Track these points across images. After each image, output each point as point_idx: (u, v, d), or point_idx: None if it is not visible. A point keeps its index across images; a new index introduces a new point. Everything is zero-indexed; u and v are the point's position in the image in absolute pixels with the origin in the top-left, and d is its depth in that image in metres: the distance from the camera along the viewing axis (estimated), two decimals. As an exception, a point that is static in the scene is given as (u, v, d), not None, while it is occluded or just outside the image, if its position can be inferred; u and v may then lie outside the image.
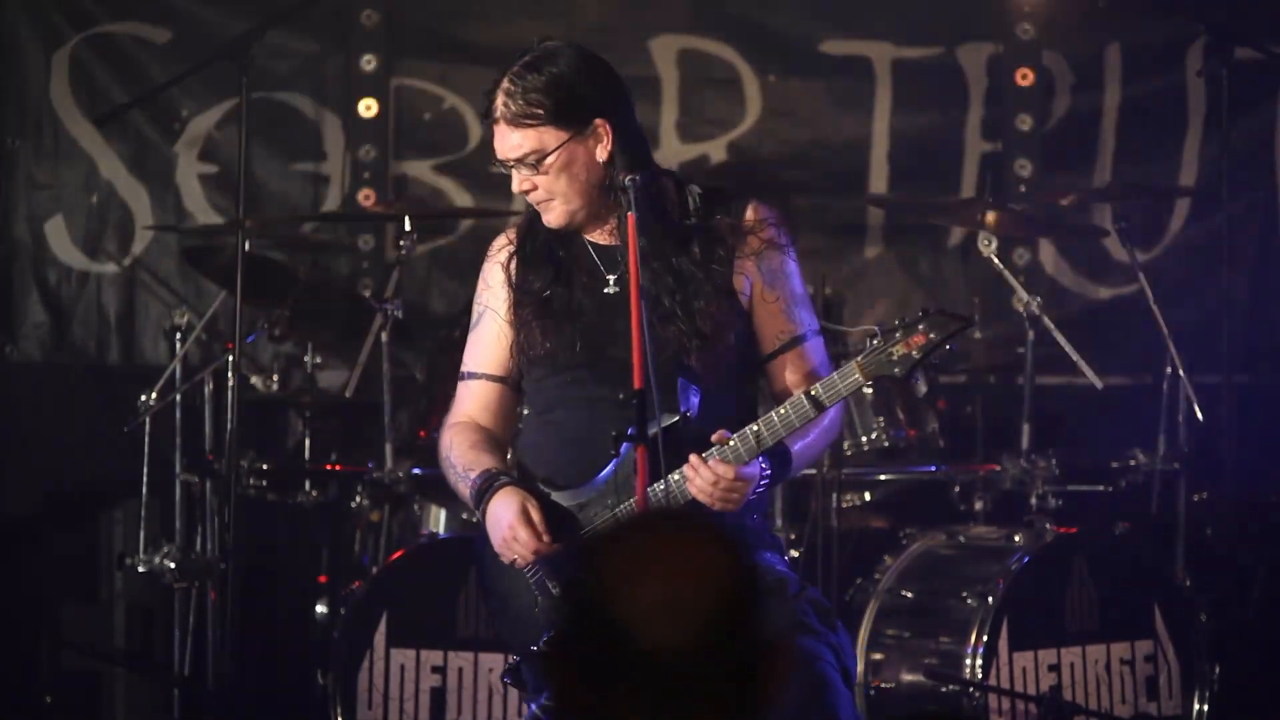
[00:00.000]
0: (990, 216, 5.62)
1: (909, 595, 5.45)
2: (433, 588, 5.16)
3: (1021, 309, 5.52)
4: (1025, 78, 6.91)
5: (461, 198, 6.82)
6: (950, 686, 5.20)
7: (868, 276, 6.92)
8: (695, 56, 6.90)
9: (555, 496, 3.84)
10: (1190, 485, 5.81)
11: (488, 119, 3.85)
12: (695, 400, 3.78)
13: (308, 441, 6.02)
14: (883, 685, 5.39)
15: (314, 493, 5.91)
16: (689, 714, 2.01)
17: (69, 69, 6.65)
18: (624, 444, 3.70)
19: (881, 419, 5.84)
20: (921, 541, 5.59)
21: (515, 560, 3.77)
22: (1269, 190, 6.87)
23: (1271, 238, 6.82)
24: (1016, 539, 5.39)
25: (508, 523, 3.74)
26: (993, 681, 5.15)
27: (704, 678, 2.01)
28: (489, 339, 3.98)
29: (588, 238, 3.91)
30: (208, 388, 5.87)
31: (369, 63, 6.80)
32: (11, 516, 6.45)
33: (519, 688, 3.94)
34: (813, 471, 5.49)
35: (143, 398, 5.69)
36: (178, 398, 5.74)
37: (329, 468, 5.93)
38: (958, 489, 5.86)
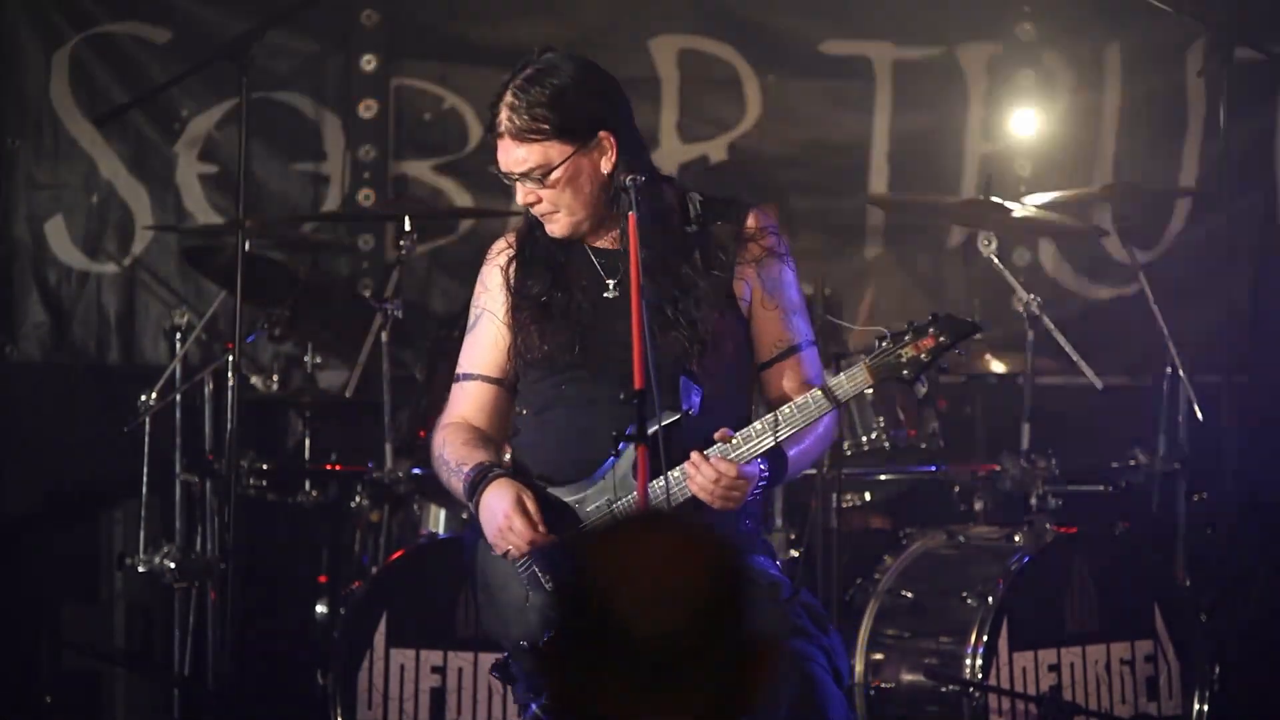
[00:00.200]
0: (990, 216, 5.62)
1: (909, 595, 5.45)
2: (433, 588, 5.16)
3: (1021, 309, 5.52)
4: (1025, 78, 6.91)
5: (461, 198, 6.82)
6: (950, 686, 5.20)
7: (868, 276, 6.92)
8: (695, 56, 6.90)
9: (553, 491, 3.85)
10: (1190, 485, 5.81)
11: (491, 132, 3.84)
12: (697, 400, 3.79)
13: (308, 441, 6.03)
14: (883, 685, 5.39)
15: (314, 493, 5.91)
16: (679, 709, 2.01)
17: (69, 69, 6.65)
18: (623, 443, 3.71)
19: (881, 419, 5.84)
20: (921, 541, 5.59)
21: (509, 552, 3.78)
22: (1269, 190, 6.87)
23: (1271, 238, 6.82)
24: (1016, 539, 5.39)
25: (503, 512, 3.75)
26: (993, 681, 5.15)
27: (693, 673, 2.02)
28: (486, 341, 3.99)
29: (588, 243, 3.93)
30: (208, 388, 5.87)
31: (369, 63, 6.80)
32: (11, 516, 6.45)
33: (507, 682, 3.95)
34: (813, 471, 5.49)
35: (143, 398, 5.69)
36: (178, 398, 5.74)
37: (329, 468, 5.93)
38: (958, 489, 5.86)
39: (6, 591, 6.26)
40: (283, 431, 6.46)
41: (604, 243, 3.92)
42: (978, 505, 5.76)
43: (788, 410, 3.73)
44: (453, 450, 3.91)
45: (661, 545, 2.07)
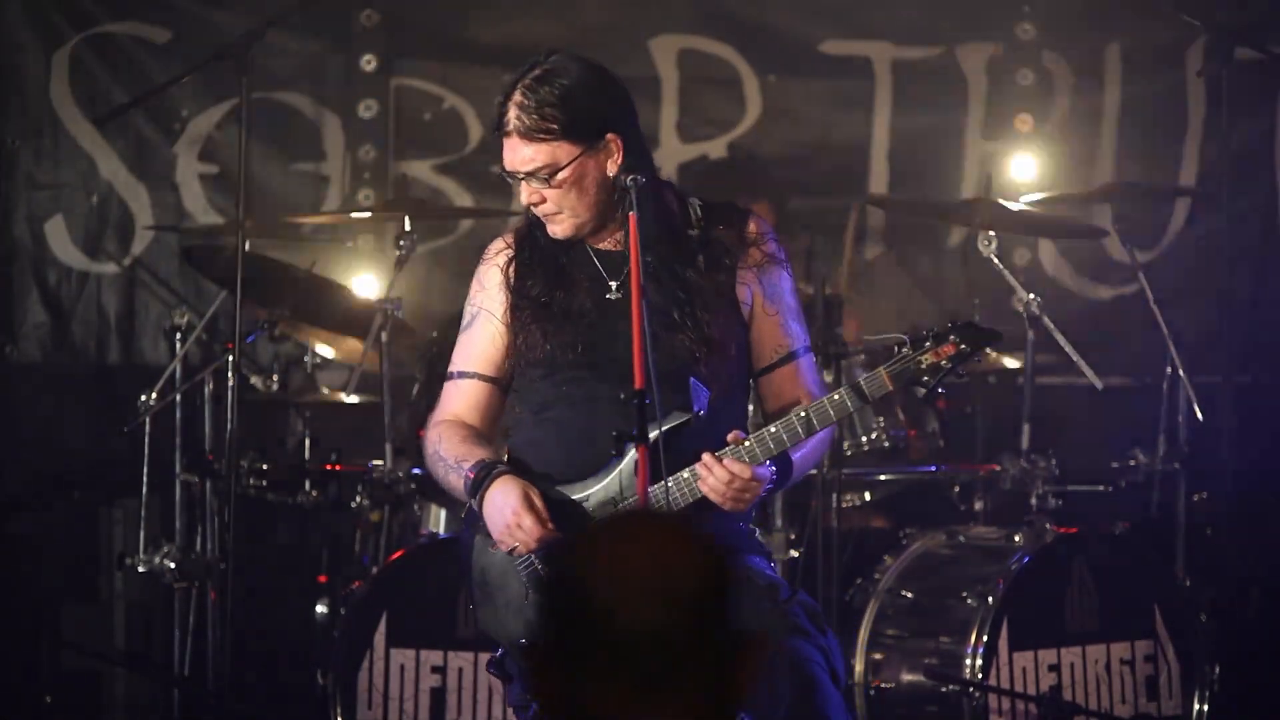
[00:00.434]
0: (990, 216, 5.61)
1: (909, 595, 5.45)
2: (433, 588, 5.16)
3: (1021, 309, 5.52)
4: (1025, 78, 6.91)
5: (461, 198, 6.83)
6: (950, 686, 5.19)
7: (868, 276, 6.92)
8: (695, 56, 6.90)
9: (557, 489, 3.85)
10: (1190, 485, 5.81)
11: (498, 131, 3.84)
12: (706, 402, 3.80)
13: (308, 441, 6.02)
14: (883, 685, 5.39)
15: (314, 493, 5.90)
16: (665, 705, 2.02)
17: (69, 69, 6.66)
18: (628, 444, 3.71)
19: (881, 419, 5.84)
20: (921, 541, 5.59)
21: (516, 549, 3.78)
22: (1269, 190, 6.87)
23: (1271, 238, 6.82)
24: (1016, 539, 5.39)
25: (511, 509, 3.75)
26: (993, 681, 5.15)
27: (678, 669, 2.02)
28: (482, 340, 3.99)
29: (591, 244, 3.93)
30: (208, 388, 5.86)
31: (369, 63, 6.81)
32: (12, 516, 6.45)
33: (504, 679, 3.95)
34: (813, 471, 5.49)
35: (143, 398, 5.69)
36: (178, 398, 5.74)
37: (329, 468, 5.92)
38: (958, 489, 5.86)
39: (6, 591, 6.26)
40: (283, 431, 6.46)
41: (607, 244, 3.92)
42: (978, 505, 5.76)
43: (803, 413, 3.72)
44: (449, 447, 3.91)
45: (647, 543, 2.07)
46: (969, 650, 5.17)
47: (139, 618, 6.22)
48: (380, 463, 5.61)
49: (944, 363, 3.75)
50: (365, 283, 6.69)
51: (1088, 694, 5.27)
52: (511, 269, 3.96)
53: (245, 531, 5.28)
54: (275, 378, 6.30)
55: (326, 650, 5.33)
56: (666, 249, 3.85)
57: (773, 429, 3.72)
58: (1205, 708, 5.36)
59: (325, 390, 6.20)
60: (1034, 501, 5.53)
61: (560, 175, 3.79)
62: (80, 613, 6.28)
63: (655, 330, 3.69)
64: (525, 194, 3.85)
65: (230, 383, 5.27)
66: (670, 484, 3.72)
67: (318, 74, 6.82)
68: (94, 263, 6.71)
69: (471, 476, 3.83)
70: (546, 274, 3.92)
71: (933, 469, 5.88)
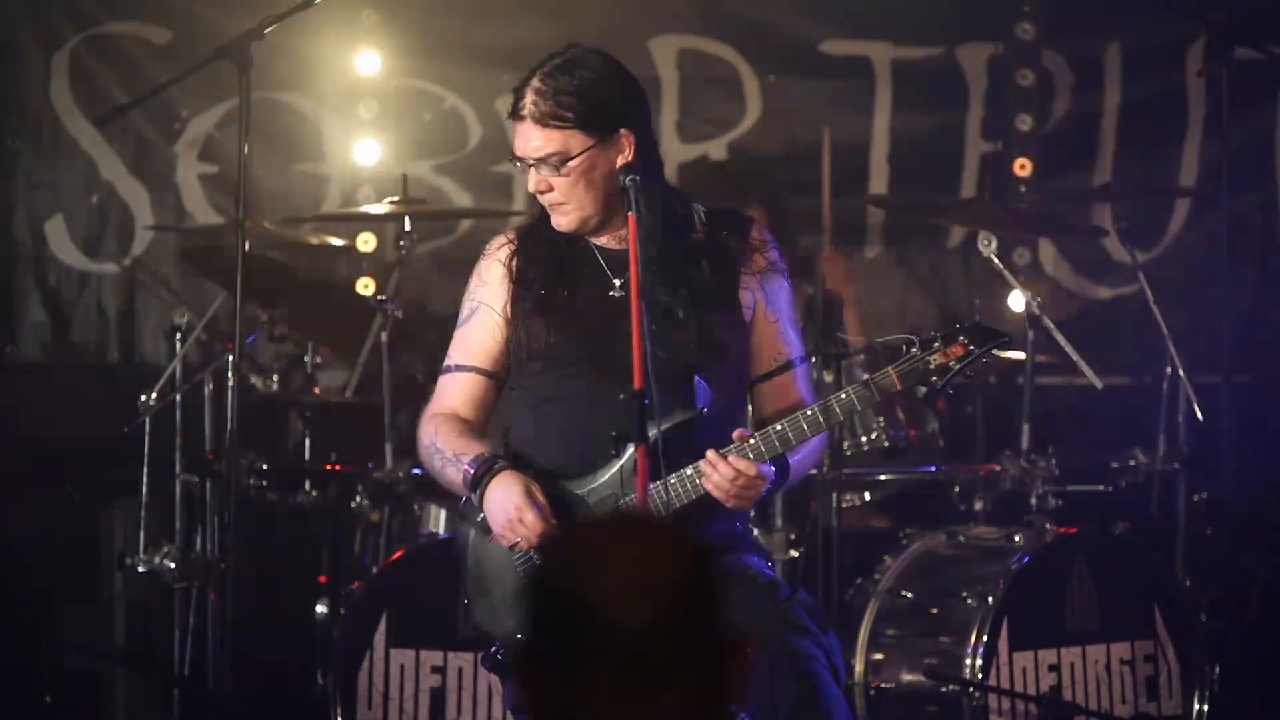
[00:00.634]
0: (990, 216, 5.62)
1: (909, 595, 5.45)
2: (433, 588, 5.15)
3: (1021, 309, 5.52)
4: (1025, 78, 6.91)
5: (461, 198, 6.83)
6: (950, 686, 5.20)
7: (868, 276, 6.93)
8: (695, 56, 6.90)
9: (558, 484, 3.85)
10: (1190, 485, 5.82)
11: (513, 116, 3.84)
12: (709, 399, 3.80)
13: (308, 441, 6.02)
14: (883, 685, 5.39)
15: (314, 493, 5.91)
16: (656, 703, 2.02)
17: (69, 69, 6.66)
18: (628, 442, 3.72)
19: (881, 419, 5.84)
20: (921, 541, 5.59)
21: (518, 544, 3.78)
22: (1269, 190, 6.87)
23: (1271, 238, 6.82)
24: (1016, 539, 5.39)
25: (514, 504, 3.75)
26: (993, 681, 5.15)
27: (668, 668, 2.02)
28: (481, 334, 3.98)
29: (595, 242, 3.93)
30: (208, 388, 5.86)
31: (369, 63, 6.80)
32: (11, 516, 6.44)
33: (500, 675, 3.95)
34: (813, 471, 5.49)
35: (143, 398, 5.69)
36: (178, 398, 5.74)
37: (329, 468, 5.92)
38: (958, 489, 5.85)
39: (6, 591, 6.26)
40: (283, 431, 6.46)
41: (611, 242, 3.93)
42: (978, 505, 5.76)
43: (810, 412, 3.72)
44: (446, 440, 3.91)
45: (637, 543, 2.07)
46: (969, 650, 5.17)
47: (139, 618, 6.21)
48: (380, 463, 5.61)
49: (952, 364, 3.75)
50: (365, 283, 6.70)
51: (1088, 694, 5.27)
52: (514, 263, 3.96)
53: (245, 531, 5.28)
54: (275, 378, 6.30)
55: (326, 650, 5.33)
56: (673, 250, 3.86)
57: (778, 426, 3.73)
58: (1205, 708, 5.36)
59: (325, 390, 6.20)
60: (1034, 501, 5.53)
61: (570, 164, 3.80)
62: (80, 613, 6.27)
63: (660, 328, 3.70)
64: (533, 181, 3.85)
65: (230, 383, 5.27)
66: (673, 480, 3.73)
67: (318, 74, 6.81)
68: (94, 263, 6.72)
69: (472, 471, 3.83)
70: (550, 268, 3.93)
71: (933, 469, 5.88)
